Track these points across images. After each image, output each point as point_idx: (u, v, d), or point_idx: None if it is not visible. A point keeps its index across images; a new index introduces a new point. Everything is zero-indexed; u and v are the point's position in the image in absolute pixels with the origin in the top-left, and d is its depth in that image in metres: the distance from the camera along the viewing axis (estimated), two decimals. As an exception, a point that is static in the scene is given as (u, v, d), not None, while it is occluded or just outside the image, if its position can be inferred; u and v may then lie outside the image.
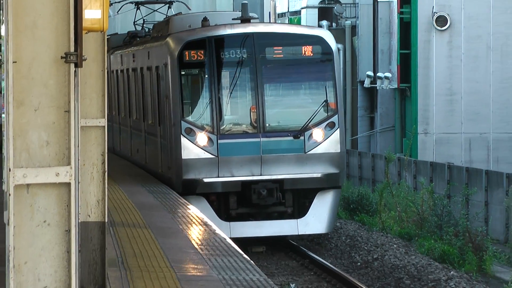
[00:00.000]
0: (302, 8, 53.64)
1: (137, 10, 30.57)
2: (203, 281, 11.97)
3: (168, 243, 14.82)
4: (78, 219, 7.02)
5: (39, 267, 5.54)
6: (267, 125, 20.24)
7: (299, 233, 20.50)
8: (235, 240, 17.67)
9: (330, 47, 20.65)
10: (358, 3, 50.67)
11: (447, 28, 40.80)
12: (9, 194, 5.48)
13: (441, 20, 40.92)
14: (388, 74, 42.41)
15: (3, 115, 17.94)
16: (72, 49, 5.56)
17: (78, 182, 7.01)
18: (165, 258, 13.69)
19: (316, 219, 20.30)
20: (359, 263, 21.57)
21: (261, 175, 20.11)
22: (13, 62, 5.46)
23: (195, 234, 15.78)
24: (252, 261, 13.39)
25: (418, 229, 26.69)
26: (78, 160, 6.95)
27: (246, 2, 22.95)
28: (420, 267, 20.99)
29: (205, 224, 17.13)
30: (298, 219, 20.33)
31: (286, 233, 20.54)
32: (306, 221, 20.26)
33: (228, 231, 19.17)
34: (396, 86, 43.22)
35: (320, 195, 20.35)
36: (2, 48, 5.00)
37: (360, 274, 20.43)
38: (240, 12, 22.05)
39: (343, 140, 20.92)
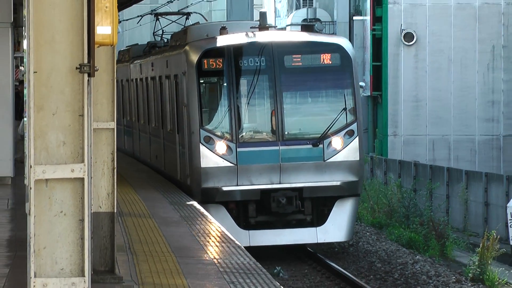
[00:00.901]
0: (287, 25, 53.79)
1: (156, 21, 29.09)
2: (200, 264, 11.78)
3: (169, 231, 14.64)
4: (91, 209, 6.94)
5: (56, 252, 5.56)
6: (286, 133, 18.34)
7: (319, 241, 18.79)
8: (254, 248, 17.30)
9: (349, 55, 18.87)
10: (336, 21, 50.97)
11: (413, 43, 41.17)
12: (30, 188, 5.58)
13: (408, 36, 41.35)
14: (362, 84, 42.67)
15: (24, 119, 17.56)
16: (85, 61, 5.59)
17: (91, 178, 6.91)
18: (166, 245, 13.50)
19: (336, 227, 18.63)
20: (336, 249, 21.25)
21: (280, 183, 18.22)
22: (34, 72, 5.52)
23: (194, 224, 15.26)
24: (243, 247, 13.06)
25: (388, 219, 26.80)
26: (91, 158, 6.86)
27: (265, 11, 20.84)
28: (390, 252, 21.03)
29: (203, 215, 16.68)
30: (317, 227, 18.54)
31: (305, 241, 18.99)
32: (325, 229, 18.52)
33: (247, 240, 17.96)
34: (369, 94, 43.61)
35: (339, 203, 18.53)
36: (25, 60, 5.13)
37: (338, 259, 20.01)
38: (258, 22, 20.00)
39: (361, 147, 19.21)
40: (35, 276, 5.48)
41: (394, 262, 20.17)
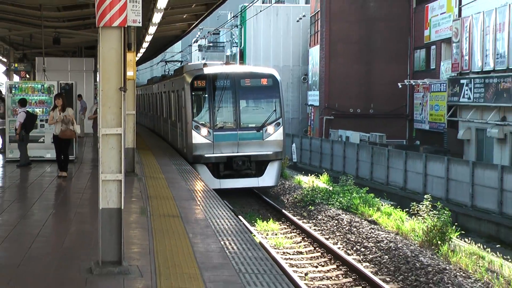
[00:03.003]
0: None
1: (165, 64, 41.53)
2: (201, 224, 11.81)
3: (173, 187, 16.10)
4: (124, 146, 8.20)
5: (110, 163, 7.96)
6: (241, 123, 23.93)
7: (259, 186, 24.39)
8: (223, 190, 22.39)
9: (277, 79, 24.49)
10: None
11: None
12: (99, 136, 7.98)
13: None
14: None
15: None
16: (122, 85, 8.03)
17: (124, 133, 8.17)
18: (172, 200, 14.34)
19: (269, 177, 24.19)
20: (271, 192, 26.52)
21: (238, 152, 23.70)
22: (101, 90, 7.97)
23: (190, 182, 16.99)
24: (223, 201, 14.44)
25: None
26: (124, 126, 8.22)
27: (228, 55, 28.19)
28: (335, 214, 21.31)
29: (196, 177, 18.53)
30: (258, 178, 24.07)
31: (252, 185, 24.46)
32: (263, 178, 24.10)
33: (219, 185, 23.14)
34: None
35: (271, 164, 24.12)
36: (98, 84, 6.67)
37: (270, 196, 25.45)
38: (224, 61, 27.63)
39: (283, 132, 24.54)
40: (102, 173, 7.97)
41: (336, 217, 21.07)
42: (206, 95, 24.19)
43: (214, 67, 25.28)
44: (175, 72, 31.57)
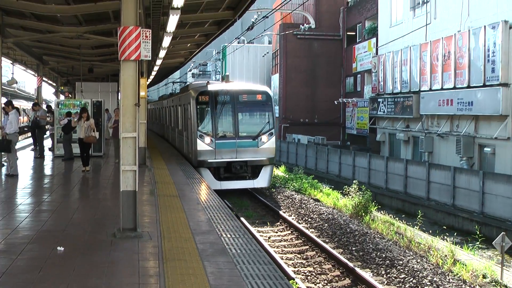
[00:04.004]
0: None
1: (173, 84, 39.05)
2: (194, 202, 11.57)
3: (179, 189, 14.87)
4: (138, 145, 8.00)
5: (128, 157, 7.87)
6: (239, 133, 20.22)
7: (254, 186, 20.62)
8: (223, 191, 19.46)
9: (270, 96, 20.99)
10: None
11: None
12: (120, 139, 7.91)
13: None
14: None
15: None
16: (136, 102, 7.95)
17: (138, 136, 8.02)
18: (173, 184, 14.18)
19: (262, 179, 20.48)
20: (266, 192, 21.74)
21: (236, 158, 20.00)
22: (122, 105, 7.88)
23: (189, 173, 16.61)
24: (215, 194, 12.93)
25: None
26: (138, 131, 8.02)
27: (228, 74, 24.50)
28: (290, 195, 21.08)
29: (191, 168, 18.23)
30: (254, 180, 20.41)
31: (248, 187, 20.68)
32: (257, 181, 20.42)
33: (220, 186, 19.73)
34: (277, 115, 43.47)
35: (264, 168, 20.45)
36: (119, 101, 6.48)
37: (265, 196, 20.56)
38: (223, 79, 22.99)
39: (276, 141, 21.71)
40: (122, 164, 7.85)
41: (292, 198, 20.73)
42: (209, 109, 20.54)
43: (216, 85, 21.69)
44: (181, 90, 27.82)
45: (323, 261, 12.78)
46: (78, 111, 17.85)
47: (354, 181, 21.70)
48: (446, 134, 25.18)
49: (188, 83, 35.58)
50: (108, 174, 15.78)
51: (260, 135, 20.43)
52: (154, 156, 22.21)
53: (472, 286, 11.07)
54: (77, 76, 28.82)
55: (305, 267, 12.28)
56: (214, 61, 63.01)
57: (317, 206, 19.11)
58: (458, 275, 11.66)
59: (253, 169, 20.45)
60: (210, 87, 20.91)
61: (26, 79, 70.46)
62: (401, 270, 11.81)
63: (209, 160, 19.95)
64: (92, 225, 8.87)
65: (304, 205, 19.48)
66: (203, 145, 20.01)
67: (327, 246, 13.58)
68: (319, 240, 14.29)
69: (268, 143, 20.47)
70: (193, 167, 18.66)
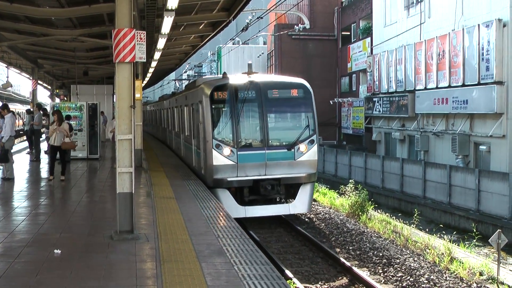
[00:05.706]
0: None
1: (175, 82, 34.29)
2: (190, 204, 11.29)
3: (174, 184, 14.72)
4: (134, 147, 7.94)
5: (124, 160, 7.77)
6: (269, 141, 15.42)
7: (290, 213, 15.85)
8: (249, 218, 15.41)
9: (309, 90, 16.13)
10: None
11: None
12: (115, 142, 7.82)
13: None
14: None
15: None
16: (132, 104, 7.85)
17: (134, 138, 7.93)
18: (169, 186, 13.95)
19: (300, 203, 15.68)
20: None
21: (265, 175, 15.23)
22: (117, 107, 7.78)
23: (190, 182, 15.33)
24: (216, 200, 12.01)
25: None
26: (134, 132, 7.99)
27: (251, 62, 17.16)
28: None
29: (186, 169, 17.57)
30: (289, 204, 15.79)
31: (281, 213, 15.89)
32: (294, 204, 15.68)
33: (244, 212, 15.21)
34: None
35: (302, 187, 15.66)
36: (115, 103, 6.44)
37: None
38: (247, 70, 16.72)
39: (318, 151, 16.11)
40: (118, 167, 7.76)
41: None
42: (228, 109, 15.55)
43: (237, 76, 16.50)
44: (187, 87, 22.50)
45: (320, 261, 12.68)
46: (76, 114, 17.75)
47: (350, 181, 21.69)
48: (441, 133, 25.22)
49: (194, 79, 28.91)
50: (105, 176, 15.63)
51: (297, 143, 15.63)
52: (150, 158, 21.63)
53: (469, 283, 11.09)
54: (72, 79, 28.74)
55: (302, 267, 12.17)
56: (209, 62, 62.70)
57: (313, 206, 19.09)
58: (455, 273, 11.68)
59: (287, 189, 15.79)
60: (228, 80, 16.04)
61: (21, 83, 70.65)
62: (398, 269, 11.81)
63: (229, 179, 15.19)
64: (89, 227, 8.80)
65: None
66: (220, 158, 15.24)
67: (324, 246, 13.48)
68: (315, 239, 14.23)
69: (308, 153, 15.70)
70: (206, 187, 14.64)
